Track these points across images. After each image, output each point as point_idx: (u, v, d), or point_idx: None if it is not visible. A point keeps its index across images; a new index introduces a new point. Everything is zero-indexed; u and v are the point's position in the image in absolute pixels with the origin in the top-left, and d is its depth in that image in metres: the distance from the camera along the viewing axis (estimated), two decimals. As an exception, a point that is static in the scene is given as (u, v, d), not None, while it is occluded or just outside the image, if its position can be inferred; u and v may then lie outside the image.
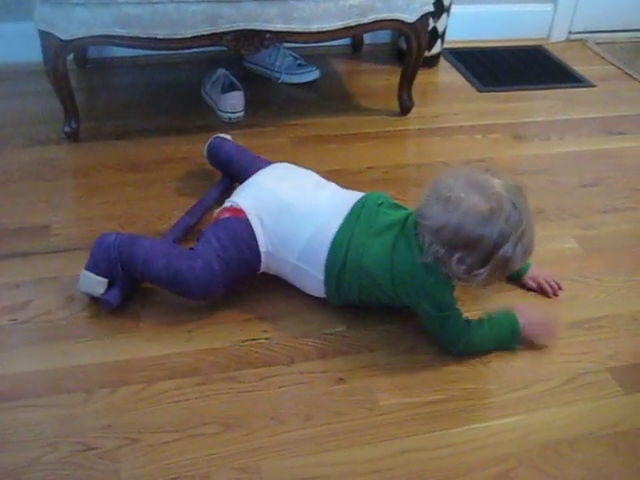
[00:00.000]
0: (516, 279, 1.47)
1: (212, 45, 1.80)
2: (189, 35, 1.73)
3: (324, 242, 1.29)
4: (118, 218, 1.61)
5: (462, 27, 2.56)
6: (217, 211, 1.40)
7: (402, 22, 1.90)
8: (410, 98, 2.10)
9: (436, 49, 2.44)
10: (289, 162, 1.50)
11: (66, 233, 1.56)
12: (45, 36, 1.70)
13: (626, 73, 2.52)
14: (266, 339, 1.33)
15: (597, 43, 2.72)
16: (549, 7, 2.67)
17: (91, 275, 1.32)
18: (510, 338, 1.31)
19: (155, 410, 1.18)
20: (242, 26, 1.75)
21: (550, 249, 1.59)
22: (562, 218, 1.71)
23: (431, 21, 2.28)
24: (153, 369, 1.25)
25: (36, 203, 1.65)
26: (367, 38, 2.54)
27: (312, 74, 2.27)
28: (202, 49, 1.84)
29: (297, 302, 1.40)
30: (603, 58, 2.63)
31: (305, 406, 1.20)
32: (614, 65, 2.57)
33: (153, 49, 1.78)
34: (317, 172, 1.46)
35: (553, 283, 1.47)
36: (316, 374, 1.26)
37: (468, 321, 1.29)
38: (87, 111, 1.99)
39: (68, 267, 1.44)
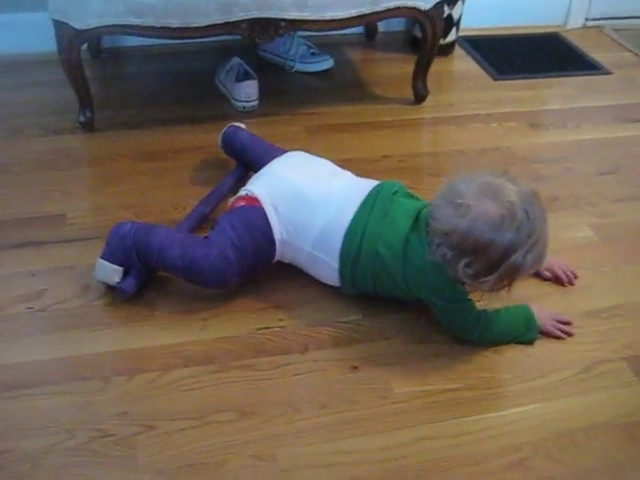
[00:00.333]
0: (531, 268, 1.46)
1: (226, 34, 1.79)
2: (203, 24, 1.73)
3: (339, 230, 1.29)
4: (133, 207, 1.61)
5: (477, 14, 2.54)
6: (232, 200, 1.40)
7: (417, 10, 1.88)
8: (425, 86, 2.09)
9: (451, 37, 2.42)
10: (303, 151, 1.49)
11: (81, 222, 1.57)
12: (59, 26, 1.71)
13: (643, 60, 2.49)
14: (281, 327, 1.33)
15: (614, 29, 2.69)
16: (565, -7, 2.65)
17: (107, 264, 1.33)
18: (525, 328, 1.31)
19: (171, 397, 1.18)
20: (256, 14, 1.75)
21: (565, 238, 1.58)
22: (578, 206, 1.70)
23: (446, 8, 2.26)
24: (169, 357, 1.26)
25: (51, 192, 1.66)
26: (381, 26, 2.52)
27: (326, 63, 2.27)
28: (216, 38, 1.84)
29: (312, 291, 1.40)
30: (620, 45, 2.60)
31: (320, 394, 1.20)
32: (631, 52, 2.54)
33: (167, 38, 1.77)
34: (332, 161, 1.45)
35: (569, 272, 1.46)
36: (330, 362, 1.26)
37: (484, 311, 1.29)
38: (101, 101, 1.99)
39: (83, 256, 1.45)
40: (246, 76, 2.04)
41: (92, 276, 1.36)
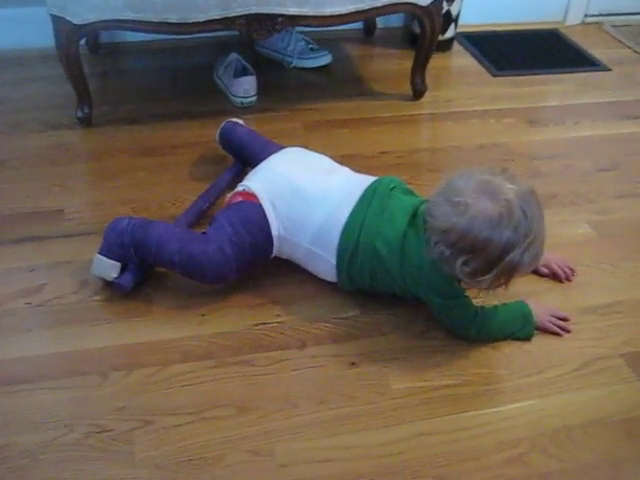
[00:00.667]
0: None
1: (224, 29, 1.79)
2: (202, 19, 1.73)
3: (336, 226, 1.29)
4: (131, 202, 1.61)
5: (476, 10, 2.53)
6: (229, 195, 1.40)
7: (416, 5, 1.88)
8: (423, 82, 2.08)
9: (450, 33, 2.42)
10: (302, 147, 1.49)
11: (80, 217, 1.57)
12: (57, 21, 1.70)
13: (642, 56, 2.49)
14: (278, 323, 1.33)
15: (613, 26, 2.69)
16: (564, -10, 2.64)
17: (104, 259, 1.33)
18: (523, 324, 1.31)
19: (169, 393, 1.18)
20: (254, 10, 1.74)
21: (564, 234, 1.58)
22: (576, 203, 1.70)
23: (445, 4, 2.25)
24: (167, 352, 1.26)
25: (50, 187, 1.66)
26: (380, 22, 2.52)
27: (324, 58, 2.26)
28: (214, 33, 1.84)
29: (309, 286, 1.40)
30: (619, 41, 2.59)
31: (318, 390, 1.20)
32: (630, 48, 2.54)
33: (165, 33, 1.77)
34: (330, 157, 1.45)
35: (566, 268, 1.46)
36: (328, 358, 1.27)
37: (481, 307, 1.29)
38: (100, 96, 1.99)
39: (82, 251, 1.45)
40: (244, 72, 2.04)
41: (90, 271, 1.36)
